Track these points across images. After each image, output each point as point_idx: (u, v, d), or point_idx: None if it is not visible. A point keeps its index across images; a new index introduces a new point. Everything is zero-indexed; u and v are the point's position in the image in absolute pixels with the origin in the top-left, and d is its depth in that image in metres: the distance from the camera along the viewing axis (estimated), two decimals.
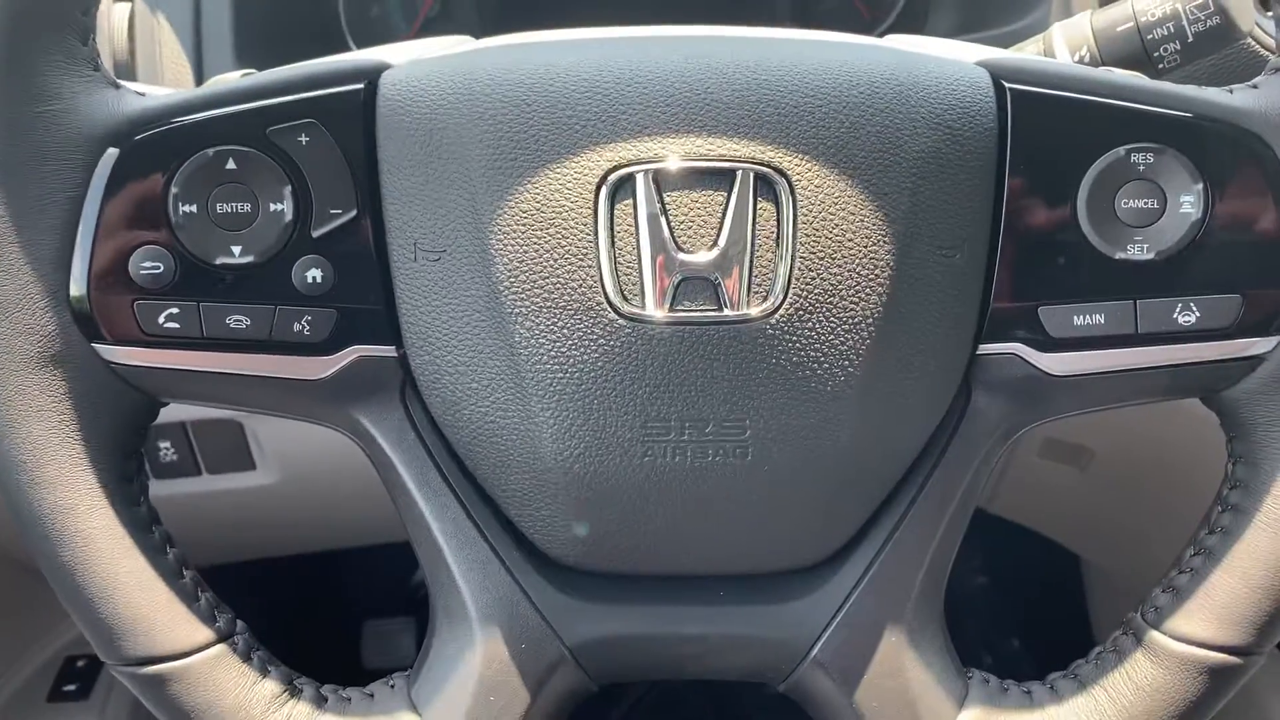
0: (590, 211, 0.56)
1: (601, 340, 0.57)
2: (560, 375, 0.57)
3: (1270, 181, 0.58)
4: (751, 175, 0.55)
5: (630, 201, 0.56)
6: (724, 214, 0.56)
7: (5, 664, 1.32)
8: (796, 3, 1.21)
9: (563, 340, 0.57)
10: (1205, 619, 0.61)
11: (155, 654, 0.60)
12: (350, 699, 0.64)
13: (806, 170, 0.56)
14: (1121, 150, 0.58)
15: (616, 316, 0.56)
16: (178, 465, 1.06)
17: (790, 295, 0.56)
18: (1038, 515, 1.34)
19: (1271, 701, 1.17)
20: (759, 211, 0.56)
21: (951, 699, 0.63)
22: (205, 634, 0.61)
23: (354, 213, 0.58)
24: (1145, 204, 0.58)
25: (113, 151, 0.57)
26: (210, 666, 0.61)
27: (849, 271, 0.57)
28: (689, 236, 0.56)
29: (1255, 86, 0.60)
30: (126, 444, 0.61)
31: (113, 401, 0.60)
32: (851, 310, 0.57)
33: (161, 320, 0.58)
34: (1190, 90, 0.59)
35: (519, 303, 0.57)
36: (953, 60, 0.61)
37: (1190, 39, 0.72)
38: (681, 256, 0.56)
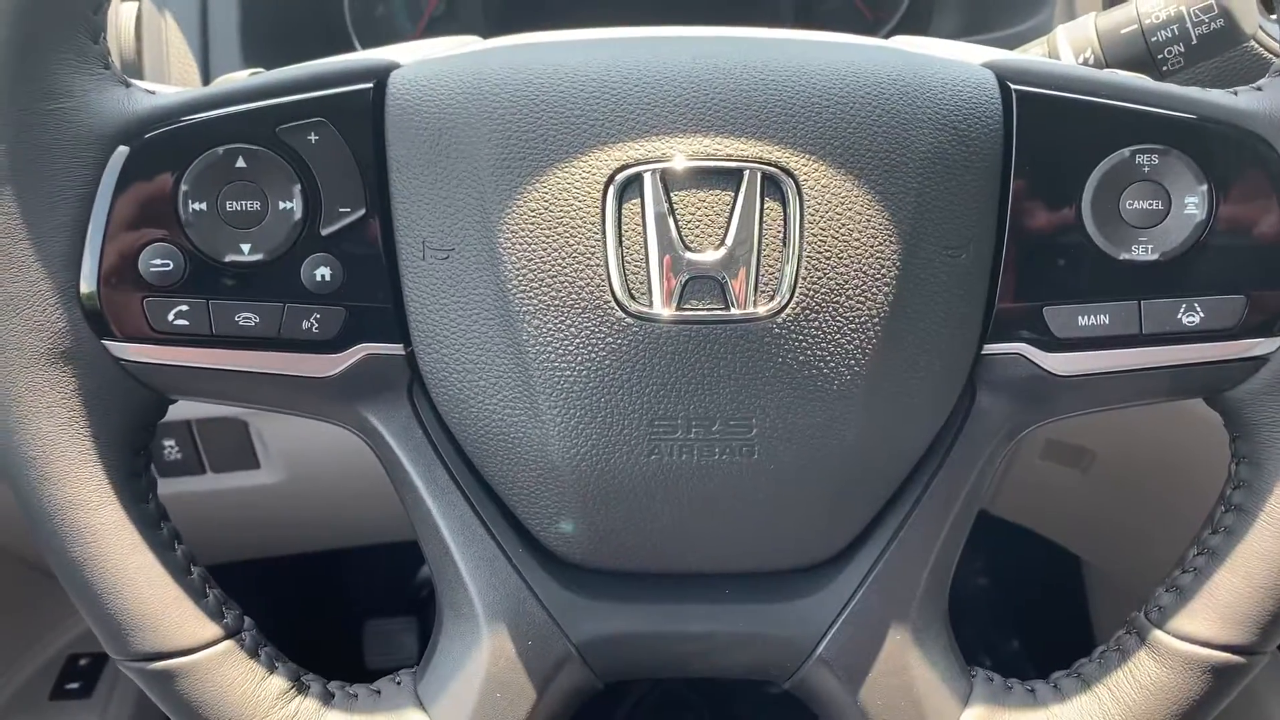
0: (598, 211, 0.56)
1: (609, 339, 0.57)
2: (568, 374, 0.57)
3: (1274, 183, 0.58)
4: (759, 175, 0.56)
5: (638, 201, 0.56)
6: (731, 213, 0.56)
7: (8, 662, 1.32)
8: (800, 4, 1.21)
9: (570, 339, 0.57)
10: (1209, 618, 0.61)
11: (163, 649, 0.60)
12: (357, 695, 0.64)
13: (813, 170, 0.56)
14: (1126, 151, 0.58)
15: (624, 315, 0.56)
16: (182, 464, 1.06)
17: (797, 295, 0.56)
18: (1039, 516, 1.34)
19: (1272, 702, 1.18)
20: (766, 211, 0.56)
21: (956, 697, 0.63)
22: (213, 630, 0.61)
23: (363, 211, 0.59)
24: (1150, 205, 0.59)
25: (123, 149, 0.57)
26: (218, 662, 0.61)
27: (855, 271, 0.57)
28: (696, 236, 0.56)
29: (1259, 89, 0.60)
30: (135, 440, 0.61)
31: (122, 398, 0.60)
32: (857, 310, 0.57)
33: (171, 317, 0.59)
34: (1195, 92, 0.60)
35: (527, 301, 0.57)
36: (958, 61, 0.61)
37: (1194, 41, 0.72)
38: (689, 256, 0.56)
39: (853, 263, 0.57)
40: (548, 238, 0.56)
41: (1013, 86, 0.59)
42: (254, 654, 0.63)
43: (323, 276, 0.59)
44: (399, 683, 0.65)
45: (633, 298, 0.56)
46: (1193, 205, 0.58)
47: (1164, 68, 0.73)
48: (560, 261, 0.56)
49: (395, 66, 0.60)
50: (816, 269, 0.56)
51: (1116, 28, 0.74)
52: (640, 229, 0.56)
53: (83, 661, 1.34)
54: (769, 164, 0.56)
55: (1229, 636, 0.61)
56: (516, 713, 0.62)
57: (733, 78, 0.57)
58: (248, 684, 0.61)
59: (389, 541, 1.28)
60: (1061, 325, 0.60)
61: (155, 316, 0.58)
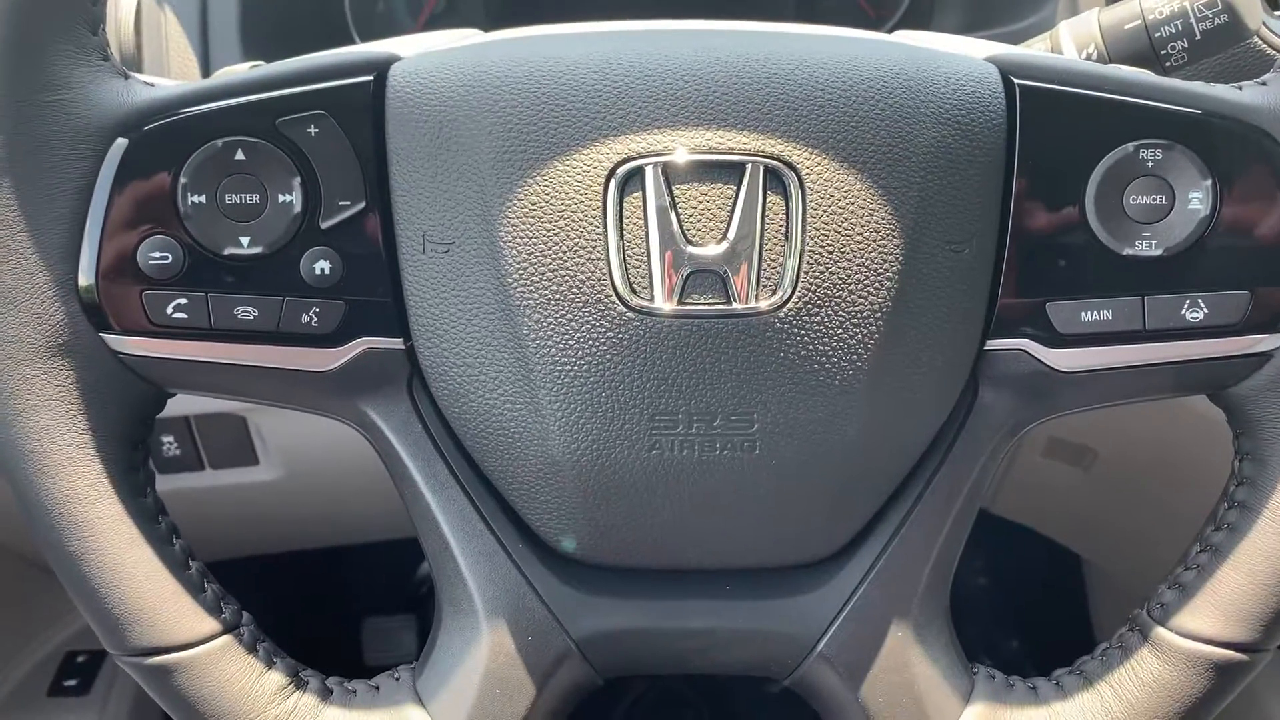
0: (599, 204, 0.56)
1: (610, 333, 0.57)
2: (568, 368, 0.57)
3: (1279, 178, 0.58)
4: (761, 169, 0.55)
5: (639, 194, 0.56)
6: (733, 207, 0.56)
7: (5, 658, 1.32)
8: (801, 1, 1.21)
9: (571, 333, 0.57)
10: (1211, 615, 0.61)
11: (161, 644, 0.60)
12: (355, 691, 0.64)
13: (816, 164, 0.56)
14: (1130, 146, 0.58)
15: (625, 309, 0.56)
16: (181, 460, 1.06)
17: (799, 289, 0.56)
18: (1040, 515, 1.34)
19: (1272, 702, 1.17)
20: (768, 205, 0.56)
21: (957, 694, 0.63)
22: (211, 625, 0.61)
23: (363, 204, 0.58)
24: (1154, 200, 0.58)
25: (122, 141, 0.57)
26: (216, 657, 0.61)
27: (858, 266, 0.57)
28: (698, 229, 0.56)
29: (1264, 84, 0.60)
30: (133, 434, 0.61)
31: (120, 392, 0.60)
32: (860, 304, 0.57)
33: (169, 310, 0.58)
34: (1199, 87, 0.60)
35: (527, 295, 0.57)
36: (962, 56, 0.61)
37: (1198, 37, 0.72)
38: (690, 249, 0.56)
39: (855, 257, 0.57)
40: (548, 231, 0.56)
41: (1016, 81, 0.59)
42: (252, 649, 0.62)
43: (322, 270, 0.58)
44: (398, 678, 0.65)
45: (634, 292, 0.56)
46: (1197, 200, 0.58)
47: (1167, 63, 0.73)
48: (561, 255, 0.56)
49: (395, 59, 0.60)
50: (819, 263, 0.56)
51: (1120, 23, 0.73)
52: (641, 222, 0.56)
53: (81, 658, 1.34)
54: (771, 158, 0.56)
55: (1232, 634, 0.61)
56: (516, 708, 0.62)
57: (735, 71, 0.56)
58: (246, 679, 0.61)
59: (388, 539, 1.28)
60: (1064, 321, 0.59)
61: (154, 310, 0.58)
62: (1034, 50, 0.77)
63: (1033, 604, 1.66)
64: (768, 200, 0.56)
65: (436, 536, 0.62)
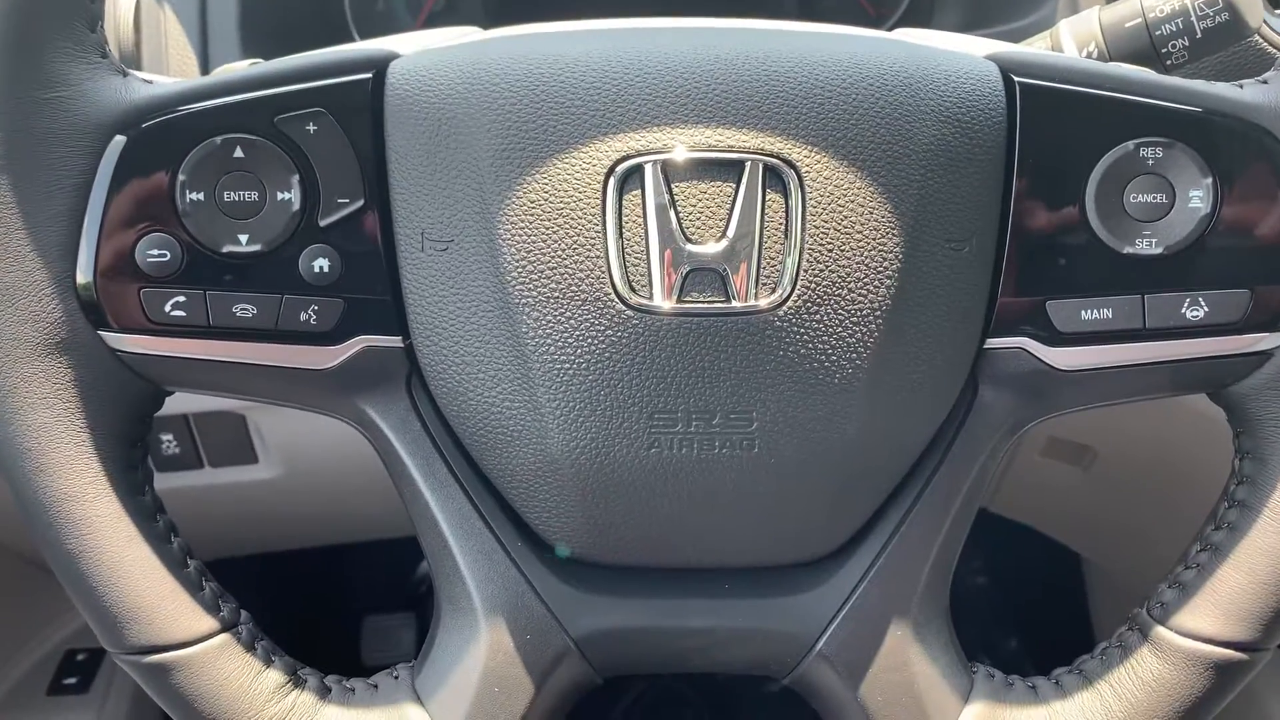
0: (598, 202, 0.56)
1: (609, 331, 0.56)
2: (567, 366, 0.57)
3: (1279, 176, 0.58)
4: (760, 166, 0.55)
5: (639, 192, 0.56)
6: (732, 205, 0.56)
7: (4, 657, 1.32)
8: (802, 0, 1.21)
9: (570, 331, 0.57)
10: (1211, 615, 0.61)
11: (159, 643, 0.60)
12: (354, 689, 0.64)
13: (815, 162, 0.56)
14: (1130, 144, 0.58)
15: (624, 307, 0.56)
16: (180, 458, 1.06)
17: (798, 287, 0.56)
18: (1039, 514, 1.34)
19: (1272, 701, 1.17)
20: (768, 203, 0.56)
21: (956, 693, 0.63)
22: (209, 623, 0.61)
23: (361, 202, 0.58)
24: (1154, 198, 0.58)
25: (120, 139, 0.57)
26: (214, 656, 0.61)
27: (857, 264, 0.57)
28: (697, 227, 0.56)
29: (1265, 82, 0.60)
30: (131, 432, 0.61)
31: (118, 389, 0.59)
32: (859, 303, 0.57)
33: (168, 308, 0.58)
34: (1200, 85, 0.59)
35: (526, 293, 0.57)
36: (962, 54, 0.61)
37: (1199, 35, 0.72)
38: (690, 248, 0.56)
39: (855, 255, 0.56)
40: (547, 229, 0.56)
41: (1016, 79, 0.59)
42: (250, 647, 0.62)
43: (321, 268, 0.58)
44: (396, 677, 0.65)
45: (633, 290, 0.56)
46: (1197, 199, 0.58)
47: (1168, 62, 0.73)
48: (560, 253, 0.56)
49: (394, 57, 0.59)
50: (818, 262, 0.56)
51: (1120, 21, 0.73)
52: (641, 220, 0.56)
53: (80, 657, 1.34)
54: (771, 155, 0.55)
55: (1232, 633, 0.61)
56: (514, 707, 0.62)
57: (734, 69, 0.56)
58: (244, 677, 0.61)
59: (387, 537, 1.28)
60: (1064, 319, 0.59)
61: (152, 307, 0.58)
62: (1034, 48, 0.77)
63: (1032, 603, 1.66)
64: (767, 198, 0.56)
65: (435, 535, 0.62)
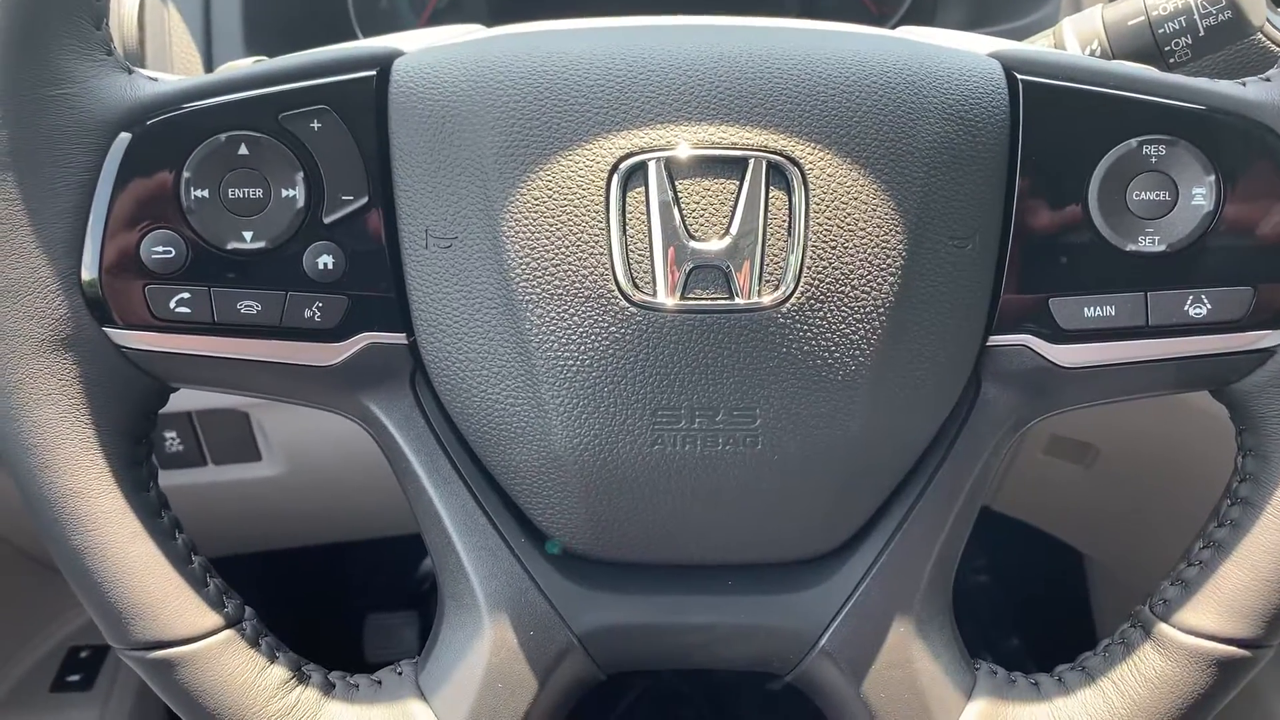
0: (602, 199, 0.56)
1: (612, 328, 0.57)
2: (571, 363, 0.57)
3: None
4: (764, 164, 0.55)
5: (642, 189, 0.56)
6: (736, 202, 0.56)
7: (8, 654, 1.32)
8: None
9: (573, 328, 0.57)
10: (1214, 612, 0.61)
11: (163, 638, 0.60)
12: (358, 685, 0.64)
13: (819, 159, 0.56)
14: (1133, 142, 0.58)
15: (627, 304, 0.56)
16: (184, 456, 1.06)
17: (802, 284, 0.56)
18: (1042, 512, 1.34)
19: (1274, 698, 1.17)
20: (771, 200, 0.56)
21: (959, 690, 0.63)
22: (214, 619, 0.61)
23: (365, 199, 0.58)
24: (1157, 196, 0.58)
25: (125, 136, 0.57)
26: (218, 651, 0.61)
27: (860, 261, 0.57)
28: (701, 225, 0.56)
29: (1268, 79, 0.60)
30: (136, 429, 0.61)
31: (123, 386, 0.60)
32: (863, 300, 0.57)
33: (173, 305, 0.58)
34: (1202, 83, 0.59)
35: (530, 290, 0.57)
36: (965, 51, 0.61)
37: (1201, 33, 0.72)
38: (693, 245, 0.56)
39: (858, 252, 0.57)
40: (551, 226, 0.56)
41: (1019, 76, 0.59)
42: (254, 643, 0.62)
43: (325, 265, 0.58)
44: (400, 673, 0.65)
45: (636, 287, 0.56)
46: (1200, 196, 0.58)
47: (1171, 60, 0.73)
48: (564, 250, 0.56)
49: (398, 54, 0.60)
50: (821, 259, 0.56)
51: (1123, 19, 0.73)
52: (644, 217, 0.56)
53: (83, 654, 1.34)
54: (774, 153, 0.55)
55: (1234, 630, 0.61)
56: (518, 703, 0.62)
57: (738, 66, 0.56)
58: (248, 673, 0.61)
59: (390, 535, 1.28)
60: (1067, 317, 0.59)
61: (157, 304, 0.58)
62: (1037, 46, 0.77)
63: (1035, 600, 1.66)
64: (770, 195, 0.56)
65: (439, 531, 0.62)
